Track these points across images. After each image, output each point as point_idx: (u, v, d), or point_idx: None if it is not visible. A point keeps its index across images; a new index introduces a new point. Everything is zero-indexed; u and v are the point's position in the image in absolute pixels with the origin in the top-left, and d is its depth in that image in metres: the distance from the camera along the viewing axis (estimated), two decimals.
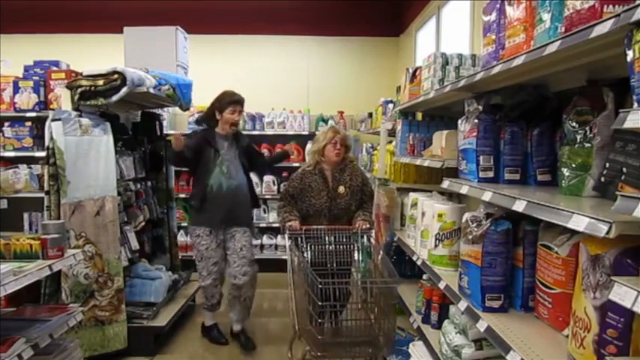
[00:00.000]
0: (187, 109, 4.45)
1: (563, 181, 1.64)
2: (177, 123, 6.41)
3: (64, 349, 2.60)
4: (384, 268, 2.78)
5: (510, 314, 1.86)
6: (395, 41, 6.70)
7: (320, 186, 3.22)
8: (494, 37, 1.92)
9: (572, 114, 1.66)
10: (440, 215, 2.46)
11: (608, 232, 1.09)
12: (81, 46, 6.24)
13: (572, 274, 1.54)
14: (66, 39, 6.40)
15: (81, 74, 3.46)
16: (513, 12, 1.74)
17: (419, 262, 2.75)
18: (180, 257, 4.78)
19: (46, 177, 3.22)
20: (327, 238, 3.09)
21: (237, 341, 3.75)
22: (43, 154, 3.37)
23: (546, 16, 1.51)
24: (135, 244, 3.74)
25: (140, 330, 3.50)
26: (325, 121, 6.14)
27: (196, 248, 3.57)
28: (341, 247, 3.13)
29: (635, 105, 1.06)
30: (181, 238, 5.65)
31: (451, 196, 2.90)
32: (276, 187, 6.02)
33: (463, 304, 1.98)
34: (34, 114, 3.76)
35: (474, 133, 2.05)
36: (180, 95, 3.98)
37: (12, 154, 3.82)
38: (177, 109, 4.82)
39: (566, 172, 1.62)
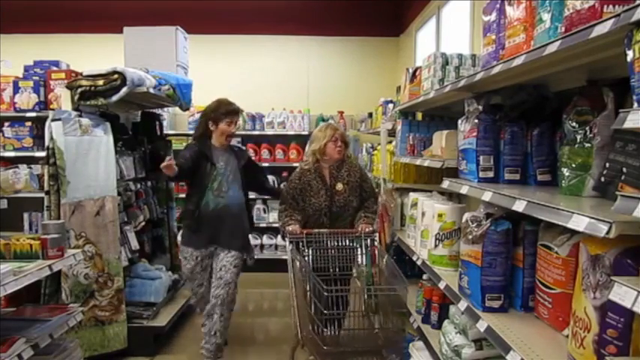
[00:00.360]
0: (187, 109, 4.45)
1: (563, 181, 1.64)
2: (177, 123, 6.41)
3: (64, 349, 2.60)
4: (389, 273, 2.68)
5: (510, 314, 1.86)
6: (395, 41, 6.70)
7: (319, 184, 3.17)
8: (494, 37, 1.91)
9: (572, 114, 1.66)
10: (440, 215, 2.45)
11: (608, 232, 1.09)
12: (81, 46, 6.24)
13: (572, 274, 1.54)
14: (66, 39, 6.41)
15: (81, 74, 3.46)
16: (513, 12, 1.74)
17: (419, 262, 2.75)
18: (180, 257, 4.78)
19: (46, 177, 3.23)
20: (329, 242, 3.01)
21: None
22: (43, 154, 3.37)
23: (546, 16, 1.51)
24: (135, 244, 3.74)
25: (140, 330, 3.50)
26: (325, 122, 6.14)
27: (184, 267, 3.39)
28: (343, 251, 3.05)
29: (635, 105, 1.06)
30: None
31: (451, 196, 2.90)
32: (276, 188, 6.02)
33: (463, 304, 1.98)
34: (34, 114, 3.76)
35: (474, 133, 2.05)
36: (180, 95, 3.98)
37: (12, 154, 3.82)
38: (177, 109, 4.82)
39: (566, 172, 1.62)
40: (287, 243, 2.99)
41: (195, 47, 5.33)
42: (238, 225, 3.30)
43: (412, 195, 3.15)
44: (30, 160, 3.84)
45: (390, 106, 4.59)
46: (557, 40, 1.37)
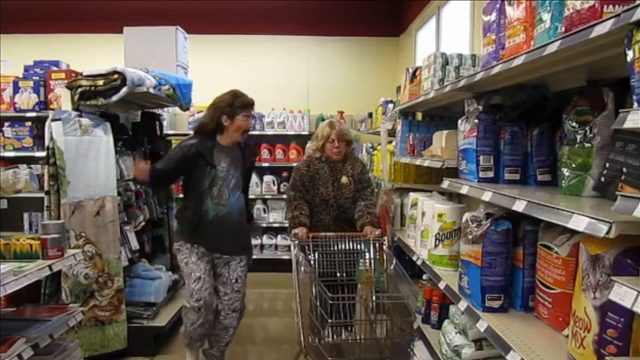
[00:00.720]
0: (187, 109, 4.45)
1: (563, 181, 1.64)
2: (177, 123, 6.41)
3: (64, 349, 2.60)
4: (398, 279, 2.59)
5: (510, 314, 1.86)
6: (395, 41, 6.70)
7: (327, 174, 3.10)
8: (494, 37, 1.92)
9: (572, 114, 1.66)
10: (440, 215, 2.46)
11: (608, 232, 1.09)
12: (81, 46, 6.24)
13: (572, 274, 1.54)
14: (66, 39, 6.40)
15: (81, 74, 3.46)
16: (513, 12, 1.74)
17: (419, 262, 2.75)
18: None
19: (46, 177, 3.23)
20: (336, 247, 2.89)
21: None
22: (43, 154, 3.37)
23: (546, 16, 1.51)
24: (135, 244, 3.74)
25: (140, 330, 3.50)
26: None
27: (180, 266, 3.02)
28: (350, 256, 2.94)
29: (635, 105, 1.06)
30: None
31: (451, 196, 2.90)
32: (276, 187, 6.03)
33: (463, 304, 1.98)
34: (34, 114, 3.76)
35: (474, 133, 2.05)
36: (180, 95, 3.98)
37: (12, 154, 3.81)
38: (177, 109, 4.83)
39: (566, 172, 1.62)
40: (292, 246, 2.89)
41: (195, 47, 5.33)
42: (240, 229, 3.03)
43: (412, 195, 3.15)
44: (30, 160, 3.83)
45: (390, 106, 4.59)
46: (557, 40, 1.38)
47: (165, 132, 5.01)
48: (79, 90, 3.30)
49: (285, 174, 5.94)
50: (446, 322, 2.32)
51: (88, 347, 3.21)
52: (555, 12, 1.47)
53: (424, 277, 2.84)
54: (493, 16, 1.92)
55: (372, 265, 2.90)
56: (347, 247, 2.92)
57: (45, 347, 2.37)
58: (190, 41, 5.12)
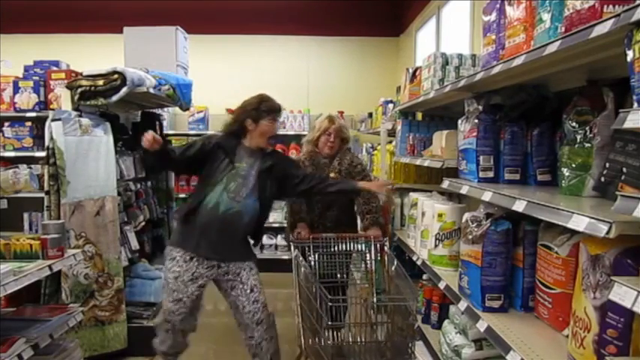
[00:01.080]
0: (187, 109, 4.44)
1: (563, 181, 1.64)
2: (177, 123, 6.41)
3: (64, 349, 2.60)
4: (400, 281, 2.55)
5: (510, 314, 1.86)
6: (395, 41, 6.70)
7: (312, 171, 3.06)
8: (494, 37, 1.92)
9: (572, 114, 1.66)
10: (440, 215, 2.45)
11: (608, 232, 1.09)
12: (81, 46, 6.24)
13: (572, 274, 1.54)
14: (66, 39, 6.41)
15: (81, 74, 3.46)
16: (513, 12, 1.74)
17: (419, 262, 2.75)
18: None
19: (46, 177, 3.23)
20: (336, 247, 2.86)
21: None
22: (43, 154, 3.37)
23: (546, 16, 1.51)
24: (135, 244, 3.74)
25: (140, 330, 3.49)
26: None
27: (165, 275, 2.73)
28: (351, 257, 2.93)
29: (635, 105, 1.06)
30: None
31: (451, 196, 2.90)
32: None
33: (463, 304, 1.98)
34: (34, 114, 3.76)
35: (474, 133, 2.05)
36: (180, 95, 3.98)
37: (12, 154, 3.82)
38: (177, 109, 4.82)
39: (566, 172, 1.62)
40: (292, 248, 2.82)
41: (195, 47, 5.33)
42: (245, 236, 2.81)
43: (412, 195, 3.15)
44: (30, 160, 3.83)
45: (390, 106, 4.59)
46: (557, 40, 1.38)
47: (165, 132, 5.01)
48: (79, 90, 3.30)
49: None
50: (446, 322, 2.32)
51: (88, 347, 3.21)
52: (555, 12, 1.47)
53: (424, 277, 2.84)
54: (493, 16, 1.92)
55: (373, 266, 2.89)
56: (347, 248, 2.89)
57: (45, 347, 2.37)
58: (190, 41, 5.13)
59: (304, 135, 5.96)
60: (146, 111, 4.46)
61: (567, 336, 1.47)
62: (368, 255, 2.91)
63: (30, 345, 2.23)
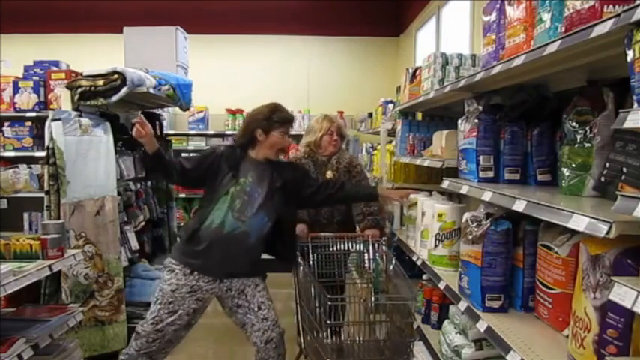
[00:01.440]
0: (187, 109, 4.45)
1: (563, 181, 1.64)
2: (177, 123, 6.41)
3: (64, 349, 2.60)
4: (398, 281, 2.56)
5: (510, 314, 1.85)
6: (395, 41, 6.71)
7: (311, 170, 3.08)
8: (494, 37, 1.92)
9: (572, 114, 1.66)
10: (440, 215, 2.45)
11: (608, 232, 1.09)
12: (81, 46, 6.25)
13: (572, 274, 1.53)
14: (66, 39, 6.41)
15: (81, 74, 3.46)
16: (513, 12, 1.74)
17: (419, 262, 2.75)
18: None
19: (46, 177, 3.23)
20: (335, 247, 2.87)
21: None
22: (43, 154, 3.37)
23: (546, 16, 1.51)
24: (135, 244, 3.74)
25: None
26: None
27: (160, 286, 2.53)
28: (350, 256, 2.94)
29: (635, 105, 1.06)
30: None
31: (451, 196, 2.90)
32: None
33: (463, 304, 1.98)
34: (34, 114, 3.76)
35: (474, 133, 2.05)
36: (180, 95, 3.98)
37: (12, 154, 3.82)
38: (177, 109, 4.82)
39: (566, 172, 1.62)
40: None
41: (195, 47, 5.33)
42: (255, 254, 2.64)
43: (412, 195, 3.14)
44: (30, 160, 3.84)
45: (390, 106, 4.59)
46: (557, 40, 1.37)
47: (165, 132, 5.01)
48: (79, 90, 3.30)
49: None
50: (446, 322, 2.32)
51: (88, 347, 3.21)
52: (555, 12, 1.47)
53: (424, 277, 2.84)
54: (493, 16, 1.92)
55: (371, 265, 2.89)
56: (346, 248, 2.90)
57: (45, 347, 2.37)
58: (190, 41, 5.13)
59: None
60: (146, 111, 4.46)
61: (567, 336, 1.47)
62: (367, 254, 2.92)
63: (30, 345, 2.23)
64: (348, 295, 2.70)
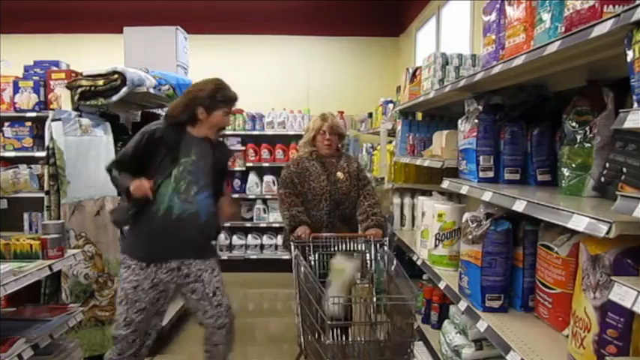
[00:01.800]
0: None
1: (563, 181, 1.64)
2: None
3: (64, 349, 2.60)
4: (399, 281, 2.53)
5: (510, 314, 1.86)
6: (395, 41, 6.70)
7: (319, 170, 3.02)
8: (494, 37, 1.92)
9: (572, 114, 1.66)
10: (440, 215, 2.46)
11: (608, 232, 1.09)
12: (81, 46, 6.25)
13: (572, 274, 1.54)
14: (66, 39, 6.41)
15: (81, 74, 3.46)
16: (513, 12, 1.74)
17: (419, 262, 2.75)
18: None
19: (46, 177, 3.23)
20: (336, 247, 2.83)
21: None
22: (43, 154, 3.37)
23: (546, 16, 1.51)
24: None
25: None
26: None
27: (121, 285, 2.49)
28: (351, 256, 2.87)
29: (635, 105, 1.06)
30: None
31: (451, 196, 2.90)
32: (276, 187, 6.01)
33: (463, 304, 1.98)
34: (34, 114, 3.76)
35: (474, 133, 2.05)
36: (180, 95, 3.98)
37: (12, 154, 3.81)
38: None
39: (566, 172, 1.62)
40: (292, 246, 2.80)
41: (195, 47, 5.33)
42: (207, 234, 2.64)
43: (409, 199, 3.13)
44: (30, 160, 3.83)
45: (390, 106, 4.59)
46: (557, 40, 1.38)
47: None
48: (79, 90, 3.30)
49: None
50: (446, 322, 2.32)
51: (88, 347, 3.21)
52: (555, 12, 1.47)
53: (424, 277, 2.84)
54: (493, 16, 1.92)
55: (373, 266, 2.88)
56: (347, 248, 2.87)
57: (45, 347, 2.37)
58: (190, 41, 5.13)
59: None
60: (146, 111, 4.46)
61: (567, 336, 1.47)
62: (368, 255, 2.92)
63: (30, 345, 2.23)
64: (349, 296, 2.69)
